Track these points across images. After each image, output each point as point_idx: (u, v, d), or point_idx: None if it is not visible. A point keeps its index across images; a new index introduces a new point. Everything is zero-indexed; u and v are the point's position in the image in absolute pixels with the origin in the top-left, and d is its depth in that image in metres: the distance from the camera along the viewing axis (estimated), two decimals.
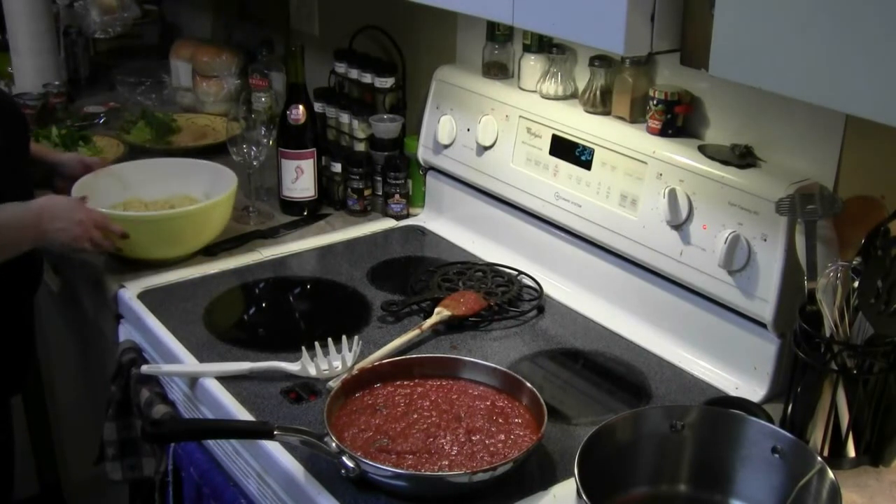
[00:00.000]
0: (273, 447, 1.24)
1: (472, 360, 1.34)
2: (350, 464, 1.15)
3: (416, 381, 1.31)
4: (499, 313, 1.58)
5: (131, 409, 1.53)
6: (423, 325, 1.50)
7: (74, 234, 1.57)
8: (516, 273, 1.70)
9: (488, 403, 1.28)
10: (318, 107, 2.05)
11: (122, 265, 1.72)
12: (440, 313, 1.53)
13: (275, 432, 1.17)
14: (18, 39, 2.51)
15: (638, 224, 1.50)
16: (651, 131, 1.50)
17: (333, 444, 1.16)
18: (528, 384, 1.27)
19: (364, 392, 1.29)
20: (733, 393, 1.38)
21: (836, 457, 1.23)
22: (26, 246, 1.57)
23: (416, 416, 1.25)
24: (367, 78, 2.00)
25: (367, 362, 1.40)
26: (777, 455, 1.12)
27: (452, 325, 1.54)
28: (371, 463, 1.14)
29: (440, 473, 1.15)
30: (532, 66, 1.70)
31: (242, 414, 1.31)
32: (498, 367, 1.32)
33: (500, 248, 1.78)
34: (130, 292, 1.63)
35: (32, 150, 1.78)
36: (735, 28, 1.02)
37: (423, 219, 1.94)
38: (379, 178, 1.95)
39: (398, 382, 1.31)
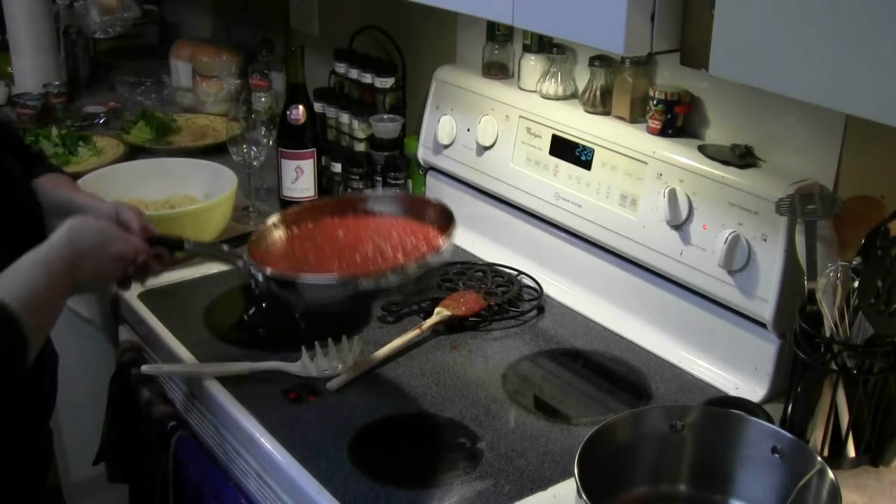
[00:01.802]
0: (273, 447, 1.24)
1: (372, 193, 1.43)
2: (258, 275, 1.18)
3: (330, 219, 1.35)
4: (499, 313, 1.58)
5: (131, 409, 1.53)
6: (423, 325, 1.50)
7: (114, 274, 1.24)
8: (516, 273, 1.70)
9: (398, 226, 1.29)
10: (318, 107, 2.05)
11: None
12: (440, 313, 1.53)
13: (185, 245, 1.28)
14: (18, 39, 2.51)
15: (638, 224, 1.50)
16: (651, 131, 1.50)
17: (244, 258, 1.24)
18: (433, 200, 1.33)
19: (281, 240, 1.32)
20: (733, 393, 1.38)
21: (836, 457, 1.23)
22: (61, 305, 1.20)
23: (329, 246, 1.28)
24: (367, 78, 2.00)
25: (366, 362, 1.41)
26: (777, 455, 1.12)
27: (452, 325, 1.54)
28: (281, 273, 1.18)
29: (348, 276, 1.17)
30: (532, 66, 1.70)
31: (242, 414, 1.31)
32: (399, 193, 1.42)
33: (500, 248, 1.78)
34: (130, 292, 1.63)
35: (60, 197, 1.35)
36: (735, 28, 1.02)
37: None
38: (379, 178, 1.95)
39: (313, 223, 1.34)
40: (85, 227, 1.21)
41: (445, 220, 1.27)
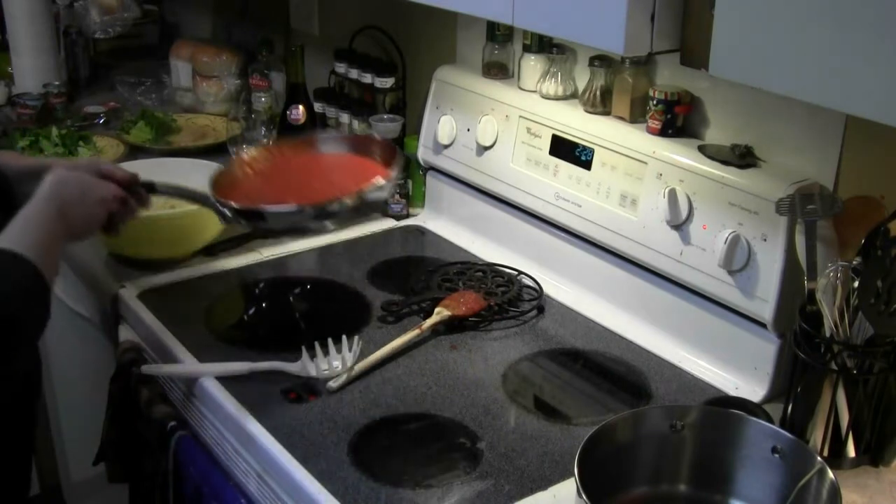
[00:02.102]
0: (273, 447, 1.24)
1: (323, 134, 1.61)
2: (225, 209, 1.34)
3: (285, 158, 1.50)
4: (499, 313, 1.58)
5: (131, 409, 1.52)
6: (423, 325, 1.50)
7: (100, 217, 1.33)
8: (516, 273, 1.70)
9: (347, 163, 1.45)
10: (318, 107, 2.05)
11: (122, 265, 1.72)
12: (440, 313, 1.53)
13: (157, 187, 1.39)
14: (18, 39, 2.51)
15: (638, 224, 1.50)
16: (651, 131, 1.50)
17: (211, 195, 1.36)
18: (378, 138, 1.53)
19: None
20: (733, 393, 1.38)
21: (836, 457, 1.23)
22: (60, 250, 1.27)
23: (285, 181, 1.45)
24: (367, 78, 2.00)
25: (366, 362, 1.41)
26: (777, 455, 1.12)
27: (452, 325, 1.54)
28: (235, 204, 1.33)
29: (303, 205, 1.31)
30: (532, 66, 1.70)
31: (242, 414, 1.31)
32: (348, 134, 1.62)
33: (500, 248, 1.78)
34: (130, 292, 1.63)
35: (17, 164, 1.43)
36: (735, 28, 1.02)
37: (423, 219, 1.94)
38: None
39: (270, 163, 1.50)
40: (66, 178, 1.31)
41: (391, 155, 1.43)
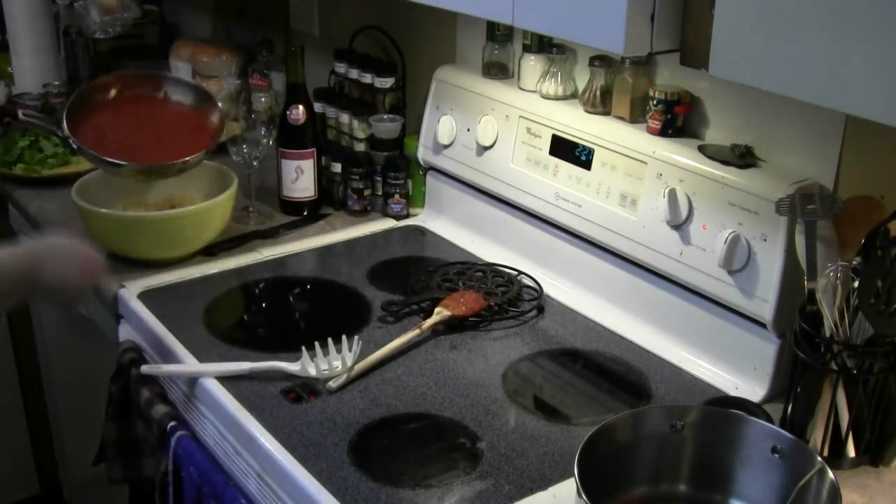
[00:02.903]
0: (273, 447, 1.24)
1: (174, 77, 1.92)
2: (71, 142, 1.69)
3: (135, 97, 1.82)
4: (499, 313, 1.58)
5: (131, 409, 1.53)
6: (423, 325, 1.50)
7: (73, 283, 1.37)
8: (516, 273, 1.70)
9: (185, 120, 1.76)
10: (318, 107, 2.05)
11: (122, 265, 1.72)
12: (440, 313, 1.53)
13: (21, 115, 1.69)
14: (18, 39, 2.51)
15: (638, 224, 1.50)
16: (651, 131, 1.50)
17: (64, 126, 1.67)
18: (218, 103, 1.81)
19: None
20: (733, 393, 1.38)
21: (836, 457, 1.23)
22: (10, 302, 1.34)
23: (128, 127, 1.77)
24: (367, 78, 2.00)
25: (366, 362, 1.41)
26: (777, 455, 1.12)
27: (452, 325, 1.54)
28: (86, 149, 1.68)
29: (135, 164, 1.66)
30: (532, 66, 1.70)
31: (242, 414, 1.31)
32: (197, 85, 1.91)
33: (500, 248, 1.78)
34: (130, 292, 1.63)
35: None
36: (735, 28, 1.02)
37: (423, 219, 1.94)
38: (379, 179, 1.95)
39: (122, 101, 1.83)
40: (55, 240, 1.41)
41: (222, 122, 1.81)
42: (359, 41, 2.08)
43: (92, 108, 1.80)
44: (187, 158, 1.74)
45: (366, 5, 2.14)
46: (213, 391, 1.36)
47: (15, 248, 1.31)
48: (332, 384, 1.37)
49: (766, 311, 1.34)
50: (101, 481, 1.64)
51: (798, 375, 1.26)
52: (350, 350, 1.41)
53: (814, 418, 1.23)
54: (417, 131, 1.93)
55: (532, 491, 1.18)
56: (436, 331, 1.53)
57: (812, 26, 0.94)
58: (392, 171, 1.92)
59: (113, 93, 1.83)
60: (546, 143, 1.64)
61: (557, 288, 1.66)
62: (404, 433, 1.31)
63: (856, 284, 1.18)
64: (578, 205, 1.59)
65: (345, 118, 2.03)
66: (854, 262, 1.21)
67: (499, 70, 1.79)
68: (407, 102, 2.02)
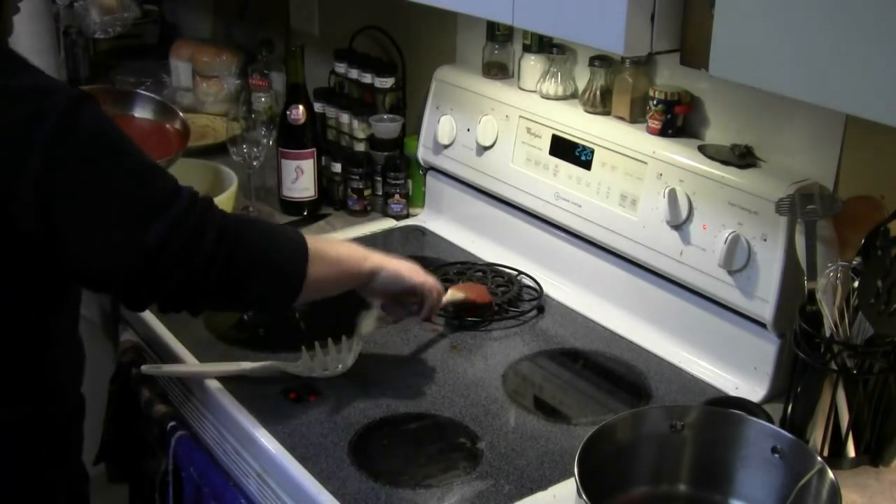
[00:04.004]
0: (273, 447, 1.24)
1: (141, 93, 1.90)
2: None
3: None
4: (499, 313, 1.58)
5: (131, 409, 1.52)
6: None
7: (423, 281, 1.37)
8: (516, 273, 1.70)
9: (149, 134, 1.71)
10: (318, 107, 2.05)
11: None
12: (454, 295, 1.53)
13: None
14: (18, 39, 2.50)
15: (638, 224, 1.50)
16: (651, 131, 1.50)
17: None
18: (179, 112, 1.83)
19: None
20: (733, 393, 1.38)
21: (836, 457, 1.23)
22: (350, 283, 1.32)
23: None
24: (367, 78, 2.00)
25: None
26: (777, 455, 1.12)
27: (462, 310, 1.54)
28: None
29: None
30: (532, 66, 1.70)
31: (242, 414, 1.31)
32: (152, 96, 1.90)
33: (500, 248, 1.78)
34: None
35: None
36: (735, 28, 1.02)
37: (423, 219, 1.94)
38: (379, 179, 1.95)
39: None
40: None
41: (185, 135, 1.79)
42: (359, 41, 2.08)
43: None
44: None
45: (366, 5, 2.14)
46: (213, 391, 1.36)
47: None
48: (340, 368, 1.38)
49: (766, 311, 1.34)
50: (101, 481, 1.63)
51: (798, 375, 1.26)
52: (350, 350, 1.40)
53: (814, 418, 1.23)
54: (417, 131, 1.93)
55: (532, 491, 1.18)
56: (434, 330, 1.53)
57: (812, 26, 0.94)
58: (392, 171, 1.92)
59: None
60: (546, 143, 1.64)
61: (557, 288, 1.66)
62: (404, 433, 1.31)
63: (856, 284, 1.18)
64: (578, 205, 1.59)
65: (345, 118, 2.03)
66: (854, 262, 1.21)
67: (499, 70, 1.79)
68: (407, 102, 2.02)
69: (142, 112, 1.89)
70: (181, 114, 1.88)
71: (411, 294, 1.38)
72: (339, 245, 1.39)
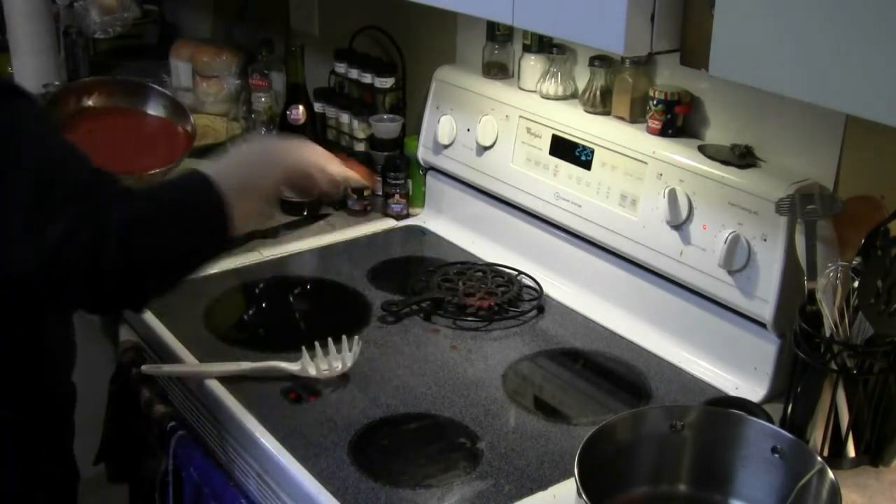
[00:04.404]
0: (273, 447, 1.24)
1: (153, 87, 1.95)
2: None
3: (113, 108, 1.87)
4: (499, 313, 1.58)
5: (131, 409, 1.52)
6: None
7: (326, 168, 1.33)
8: (516, 273, 1.70)
9: (158, 133, 1.79)
10: (318, 107, 2.05)
11: None
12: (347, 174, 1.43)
13: None
14: (18, 39, 2.50)
15: (638, 224, 1.50)
16: (651, 131, 1.50)
17: None
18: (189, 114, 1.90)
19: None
20: (733, 393, 1.38)
21: (836, 457, 1.23)
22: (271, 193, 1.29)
23: (106, 136, 1.81)
24: (367, 78, 1.99)
25: None
26: (777, 455, 1.12)
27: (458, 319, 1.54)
28: None
29: None
30: (532, 66, 1.70)
31: (242, 414, 1.31)
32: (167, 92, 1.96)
33: (500, 248, 1.78)
34: None
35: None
36: (735, 28, 1.02)
37: (423, 219, 1.94)
38: (379, 179, 1.95)
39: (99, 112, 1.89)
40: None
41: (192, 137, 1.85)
42: (359, 41, 2.08)
43: (67, 115, 1.84)
44: (155, 171, 1.80)
45: (366, 5, 2.14)
46: (213, 391, 1.36)
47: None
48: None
49: (766, 311, 1.34)
50: (101, 481, 1.63)
51: (798, 375, 1.26)
52: (350, 350, 1.41)
53: (814, 418, 1.23)
54: (417, 131, 1.93)
55: (532, 491, 1.18)
56: (435, 330, 1.53)
57: (812, 26, 0.94)
58: (392, 171, 1.92)
59: (89, 101, 1.88)
60: (546, 143, 1.64)
61: (557, 288, 1.66)
62: (404, 433, 1.31)
63: (856, 284, 1.18)
64: (578, 205, 1.59)
65: (345, 118, 2.03)
66: (854, 262, 1.21)
67: (499, 70, 1.79)
68: (407, 102, 2.02)
69: (154, 109, 1.90)
70: (191, 116, 1.91)
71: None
72: (245, 167, 1.26)
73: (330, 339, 1.42)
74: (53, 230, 1.01)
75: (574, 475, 1.03)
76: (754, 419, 1.16)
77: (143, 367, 1.46)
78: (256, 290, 1.70)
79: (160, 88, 1.98)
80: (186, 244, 1.13)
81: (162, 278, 1.14)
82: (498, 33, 1.77)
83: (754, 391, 1.38)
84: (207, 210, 1.13)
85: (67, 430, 1.32)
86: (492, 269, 1.71)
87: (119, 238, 1.04)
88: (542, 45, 1.68)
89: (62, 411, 1.28)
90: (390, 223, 1.94)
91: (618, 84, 1.56)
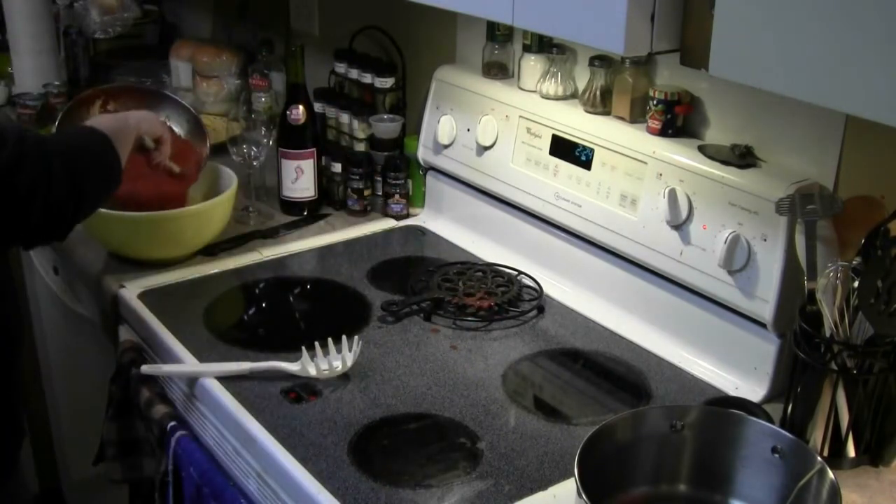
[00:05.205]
0: (273, 447, 1.24)
1: (173, 96, 1.92)
2: None
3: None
4: (499, 313, 1.58)
5: (131, 409, 1.53)
6: None
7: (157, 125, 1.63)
8: (516, 273, 1.70)
9: (179, 151, 1.71)
10: (318, 107, 2.05)
11: (122, 265, 1.72)
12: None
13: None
14: (18, 39, 2.51)
15: (638, 224, 1.50)
16: (651, 131, 1.50)
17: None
18: (207, 141, 1.85)
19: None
20: (733, 393, 1.38)
21: (836, 457, 1.23)
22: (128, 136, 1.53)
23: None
24: (367, 78, 2.00)
25: None
26: (777, 455, 1.12)
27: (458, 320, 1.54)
28: None
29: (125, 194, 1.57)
30: (532, 66, 1.70)
31: (242, 414, 1.31)
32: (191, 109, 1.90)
33: (500, 248, 1.78)
34: (130, 292, 1.63)
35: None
36: (735, 28, 1.02)
37: (423, 219, 1.94)
38: (379, 179, 1.95)
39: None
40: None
41: (202, 158, 1.82)
42: (359, 41, 2.08)
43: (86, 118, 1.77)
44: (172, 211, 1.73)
45: (366, 5, 2.14)
46: (213, 391, 1.36)
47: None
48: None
49: (766, 311, 1.34)
50: (101, 481, 1.64)
51: (798, 375, 1.26)
52: (350, 350, 1.41)
53: (814, 418, 1.23)
54: (417, 131, 1.93)
55: (532, 491, 1.18)
56: (435, 330, 1.53)
57: (812, 26, 0.94)
58: (392, 171, 1.92)
59: (110, 106, 1.82)
60: (546, 143, 1.64)
61: (557, 288, 1.66)
62: (404, 433, 1.31)
63: (856, 284, 1.18)
64: (578, 205, 1.59)
65: (345, 118, 2.03)
66: (854, 262, 1.21)
67: (499, 70, 1.79)
68: (407, 102, 2.02)
69: (177, 124, 1.86)
70: (209, 138, 1.86)
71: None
72: (111, 122, 1.52)
73: (330, 339, 1.42)
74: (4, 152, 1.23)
75: (574, 475, 1.03)
76: (754, 419, 1.16)
77: (143, 367, 1.46)
78: (256, 290, 1.70)
79: (180, 100, 1.91)
80: (99, 175, 1.40)
81: (87, 207, 1.38)
82: (498, 33, 1.77)
83: (754, 391, 1.38)
84: (106, 148, 1.42)
85: (13, 385, 1.43)
86: (492, 269, 1.71)
87: (60, 163, 1.28)
88: (542, 45, 1.68)
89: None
90: (390, 223, 1.94)
91: (618, 84, 1.56)
